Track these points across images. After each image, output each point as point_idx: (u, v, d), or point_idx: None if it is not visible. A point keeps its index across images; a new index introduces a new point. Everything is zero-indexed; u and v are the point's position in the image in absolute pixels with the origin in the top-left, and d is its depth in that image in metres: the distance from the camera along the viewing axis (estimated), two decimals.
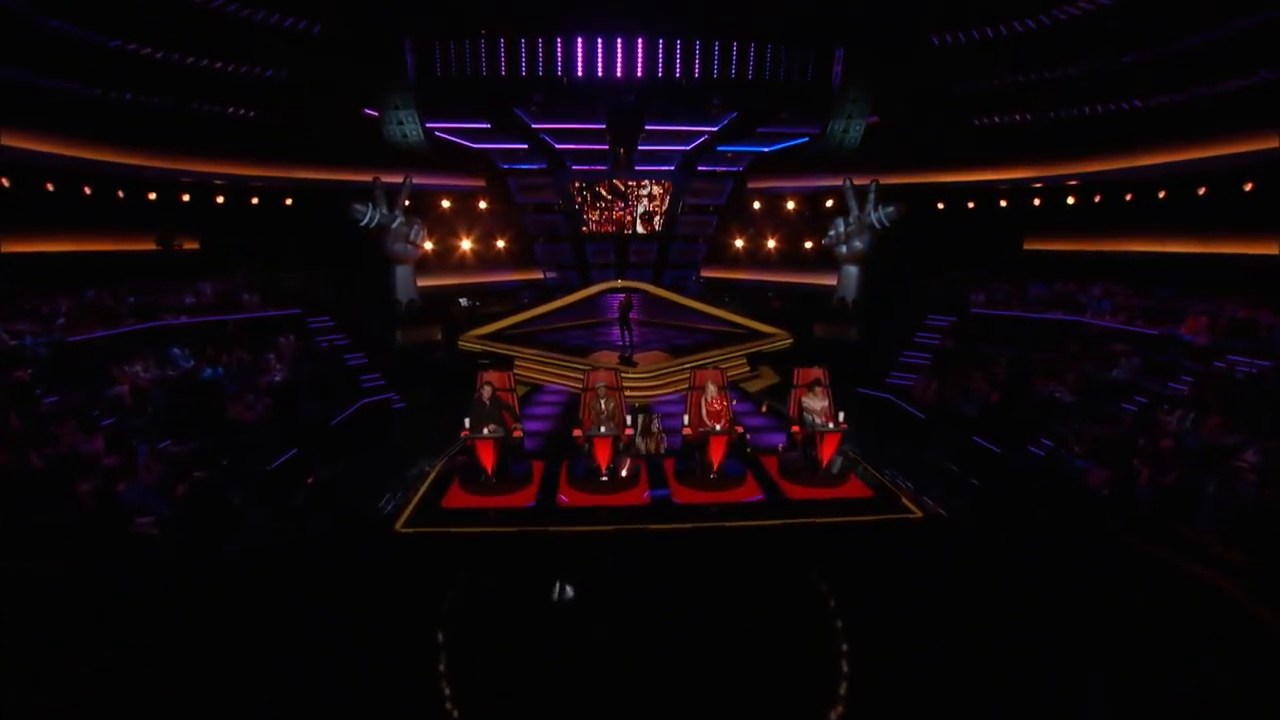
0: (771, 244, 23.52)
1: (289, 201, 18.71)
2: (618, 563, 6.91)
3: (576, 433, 8.14)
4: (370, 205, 16.47)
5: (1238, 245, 13.33)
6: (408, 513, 7.55)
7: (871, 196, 18.14)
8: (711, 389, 8.37)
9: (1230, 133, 12.97)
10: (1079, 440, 9.77)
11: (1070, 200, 17.49)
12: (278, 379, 12.46)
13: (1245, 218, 13.06)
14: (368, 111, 17.97)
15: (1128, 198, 15.91)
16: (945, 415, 12.08)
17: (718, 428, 7.99)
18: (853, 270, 19.05)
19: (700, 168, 23.15)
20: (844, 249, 18.82)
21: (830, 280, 21.63)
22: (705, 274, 24.67)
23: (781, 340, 17.75)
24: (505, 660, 5.29)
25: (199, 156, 16.44)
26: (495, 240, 23.38)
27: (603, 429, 7.84)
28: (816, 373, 8.94)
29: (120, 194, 15.55)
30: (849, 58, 15.88)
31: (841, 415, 8.57)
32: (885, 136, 18.28)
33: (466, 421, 8.00)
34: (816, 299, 21.29)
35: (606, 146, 21.49)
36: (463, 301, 20.99)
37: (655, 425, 11.29)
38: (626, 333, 16.61)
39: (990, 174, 18.35)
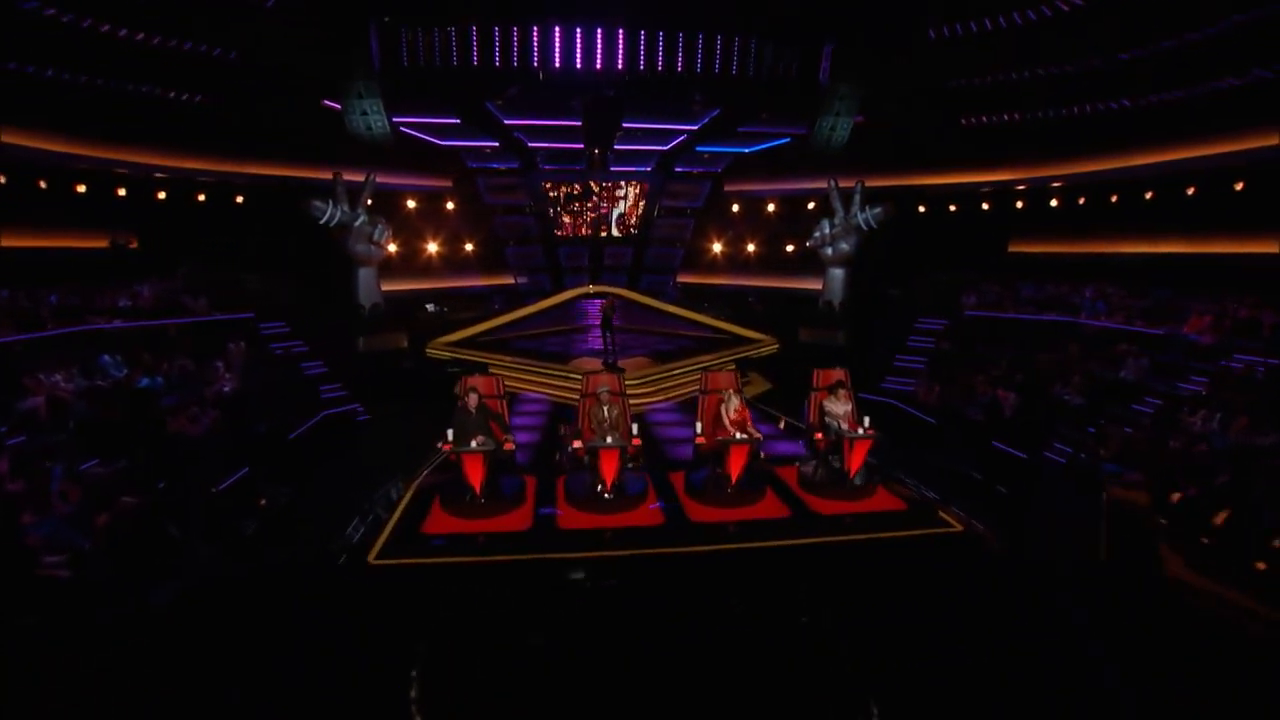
0: (751, 248, 22.96)
1: (240, 199, 17.23)
2: (630, 593, 5.97)
3: (576, 444, 7.20)
4: (330, 202, 15.20)
5: (1230, 245, 13.26)
6: (382, 540, 6.48)
7: (858, 198, 17.69)
8: (734, 400, 7.53)
9: (1221, 132, 12.92)
10: (1103, 444, 9.29)
11: (1054, 202, 17.40)
12: (227, 389, 11.12)
13: (1238, 217, 12.99)
14: (327, 103, 16.70)
15: (1114, 199, 15.83)
16: (952, 420, 11.52)
17: (739, 436, 7.14)
18: (838, 273, 18.56)
19: (678, 169, 22.48)
20: (830, 251, 18.31)
21: (812, 284, 21.17)
22: (682, 279, 23.96)
23: (768, 346, 17.11)
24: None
25: (137, 145, 14.91)
26: (463, 243, 22.20)
27: (609, 439, 6.91)
28: (839, 374, 8.24)
29: (42, 184, 13.93)
30: (839, 53, 15.42)
31: (867, 420, 7.87)
32: (869, 137, 17.92)
33: (449, 433, 6.98)
34: (799, 303, 20.78)
35: (581, 146, 20.64)
36: (429, 307, 19.76)
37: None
38: (609, 338, 15.68)
39: (975, 176, 18.18)
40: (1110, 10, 11.49)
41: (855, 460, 7.46)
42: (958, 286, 17.10)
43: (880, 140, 17.89)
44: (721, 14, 15.36)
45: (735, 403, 7.52)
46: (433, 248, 21.31)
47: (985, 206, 18.65)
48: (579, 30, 15.43)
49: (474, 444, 6.64)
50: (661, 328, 19.18)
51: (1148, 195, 14.93)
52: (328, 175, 16.28)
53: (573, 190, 22.64)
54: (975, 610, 5.80)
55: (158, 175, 15.36)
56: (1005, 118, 16.04)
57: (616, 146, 20.57)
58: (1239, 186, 13.07)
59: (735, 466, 7.16)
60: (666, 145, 20.81)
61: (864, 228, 17.67)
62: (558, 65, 15.75)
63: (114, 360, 10.40)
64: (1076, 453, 9.99)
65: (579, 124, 18.73)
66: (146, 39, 12.91)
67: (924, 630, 5.40)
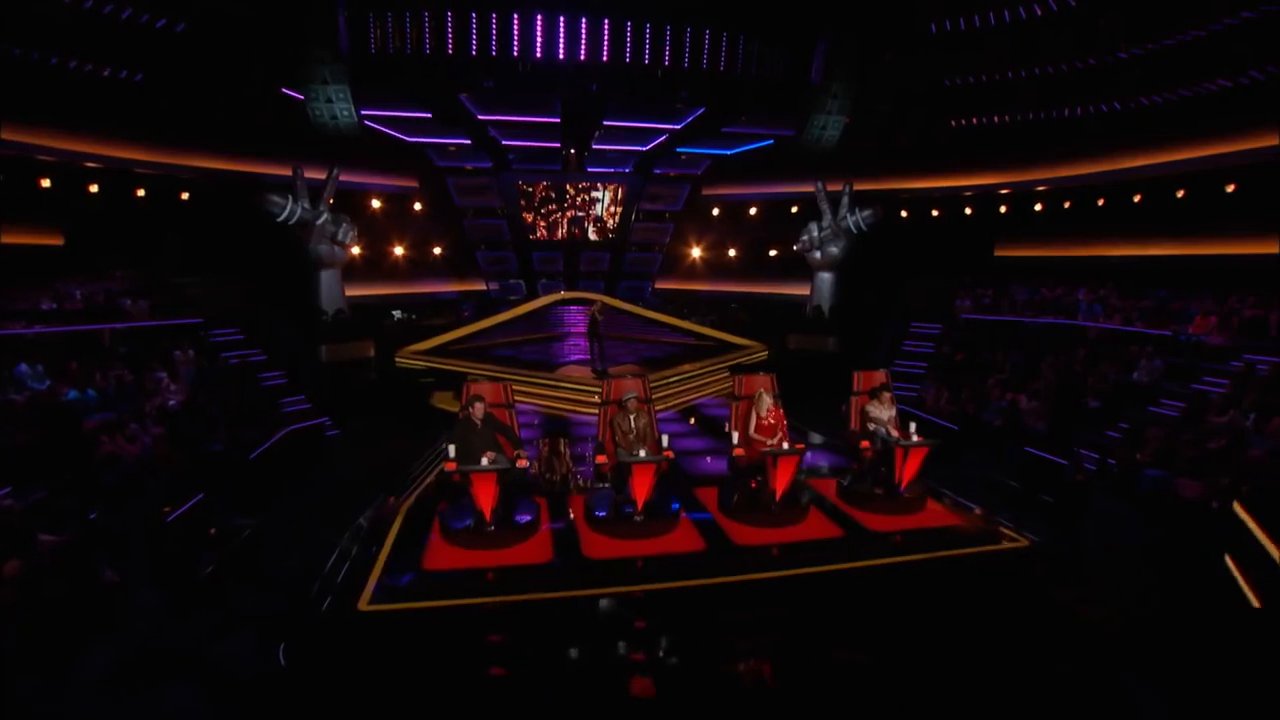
0: (732, 253, 22.40)
1: (185, 196, 15.61)
2: (676, 633, 5.04)
3: (601, 459, 6.22)
4: (290, 198, 13.85)
5: (1224, 246, 13.26)
6: (373, 580, 5.36)
7: (846, 200, 17.31)
8: (766, 399, 6.70)
9: (1212, 134, 12.95)
10: (1140, 447, 8.86)
11: (1038, 207, 17.38)
12: (173, 402, 9.72)
13: (1230, 219, 13.00)
14: (286, 91, 15.32)
15: (1100, 202, 15.84)
16: (970, 426, 11.01)
17: (786, 446, 6.31)
18: (827, 277, 18.09)
19: (656, 170, 21.80)
20: (818, 255, 17.84)
21: (795, 289, 20.73)
22: (661, 285, 23.22)
23: (757, 353, 16.44)
24: None
25: (65, 130, 13.23)
26: (431, 246, 20.94)
27: (642, 452, 5.97)
28: (881, 376, 7.50)
29: None
30: (832, 51, 14.98)
31: (914, 426, 7.15)
32: (855, 140, 17.58)
33: (450, 449, 5.93)
34: (784, 309, 20.30)
35: (558, 145, 19.73)
36: (396, 314, 18.41)
37: (563, 446, 9.59)
38: (597, 345, 14.74)
39: (960, 180, 18.05)
40: (1110, 6, 11.33)
41: (909, 471, 6.72)
42: (950, 290, 16.86)
43: (864, 143, 17.56)
44: (712, 7, 14.77)
45: (768, 401, 6.70)
46: (398, 251, 19.99)
47: (968, 211, 18.54)
48: (562, 18, 14.57)
49: (484, 461, 5.60)
50: (646, 335, 18.37)
51: (1136, 198, 14.93)
52: (283, 171, 14.95)
53: (548, 192, 21.68)
54: (1066, 642, 5.10)
55: (89, 165, 13.70)
56: (995, 119, 15.90)
57: (595, 146, 19.72)
58: (1230, 188, 13.09)
59: (781, 480, 6.31)
60: (646, 146, 20.09)
61: (854, 231, 17.28)
62: (539, 55, 14.82)
63: (33, 370, 8.90)
64: (1104, 457, 9.57)
65: (557, 121, 17.81)
66: (76, 1, 11.35)
67: (1013, 670, 4.67)
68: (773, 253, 21.55)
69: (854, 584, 5.74)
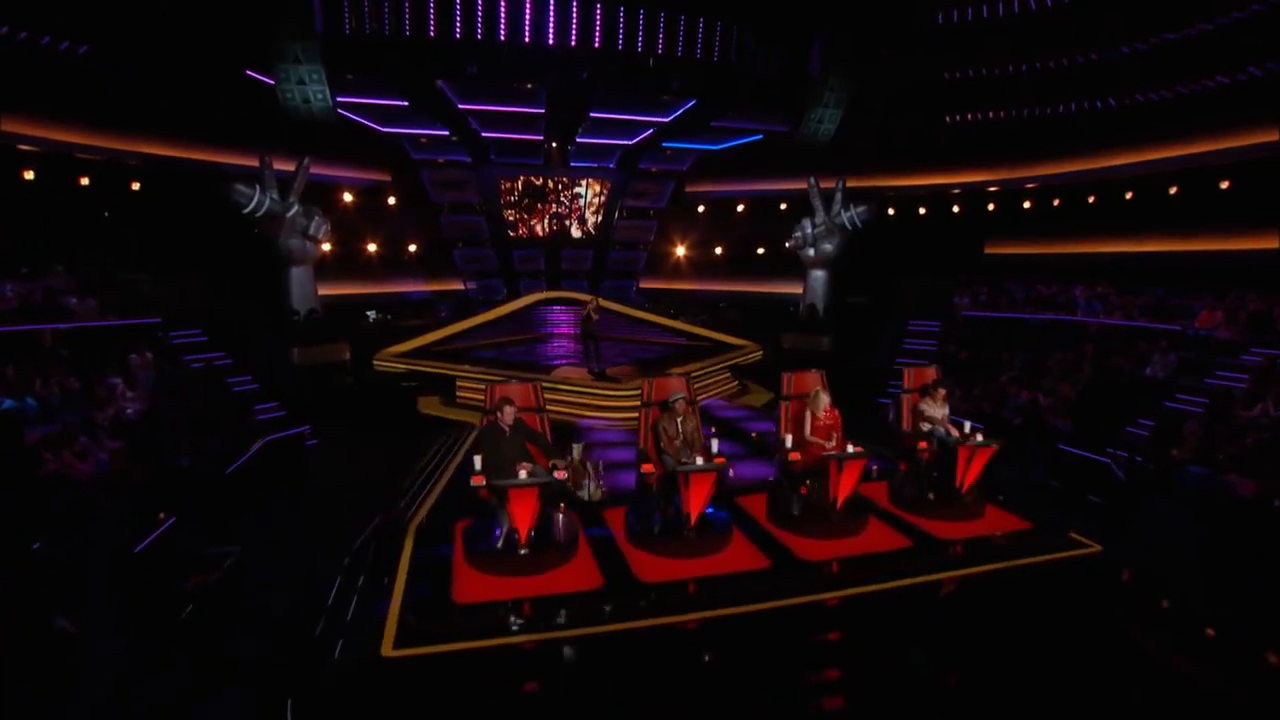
0: (719, 250, 21.92)
1: (136, 185, 14.22)
2: (750, 667, 4.37)
3: (648, 468, 5.51)
4: (258, 188, 12.70)
5: (1220, 242, 13.31)
6: (394, 617, 4.53)
7: (839, 196, 16.98)
8: (824, 398, 6.10)
9: (1207, 130, 13.01)
10: (1178, 443, 8.60)
11: (1026, 204, 17.38)
12: (130, 411, 8.59)
13: (1226, 214, 13.05)
14: (251, 74, 14.09)
15: (1091, 199, 15.88)
16: (990, 424, 10.64)
17: (851, 449, 5.71)
18: (820, 275, 17.73)
19: (641, 165, 21.15)
20: (811, 252, 17.46)
21: (784, 288, 20.37)
22: (646, 285, 22.57)
23: (752, 353, 15.95)
24: None
25: None
26: (405, 244, 19.84)
27: (699, 459, 5.28)
28: (932, 373, 7.00)
29: None
30: (830, 42, 14.59)
31: (968, 426, 6.67)
32: (847, 136, 17.28)
33: (477, 461, 5.14)
34: (773, 308, 19.90)
35: (540, 138, 18.90)
36: (370, 315, 17.27)
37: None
38: (592, 345, 14.02)
39: (953, 177, 17.95)
40: (1111, 5, 11.22)
41: (972, 474, 6.22)
42: (946, 288, 16.69)
43: (857, 140, 17.28)
44: None
45: (825, 400, 6.11)
46: (370, 248, 18.85)
47: (955, 210, 18.45)
48: (553, 0, 13.80)
49: (522, 475, 4.82)
50: (635, 335, 17.71)
51: (1128, 195, 14.97)
52: (244, 161, 13.80)
53: (529, 187, 20.80)
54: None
55: (23, 148, 12.27)
56: (991, 115, 15.79)
57: (579, 139, 18.97)
58: (1225, 185, 13.17)
59: (845, 487, 5.72)
60: (632, 140, 19.43)
61: (849, 227, 16.96)
62: (527, 39, 14.00)
63: None
64: (1131, 454, 9.30)
65: (541, 112, 16.99)
66: None
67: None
68: (760, 251, 21.14)
69: (932, 599, 5.20)
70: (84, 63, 12.09)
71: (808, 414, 6.16)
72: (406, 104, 15.97)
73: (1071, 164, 15.89)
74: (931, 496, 6.43)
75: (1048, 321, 14.36)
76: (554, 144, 19.56)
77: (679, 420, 5.72)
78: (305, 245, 13.82)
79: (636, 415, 11.03)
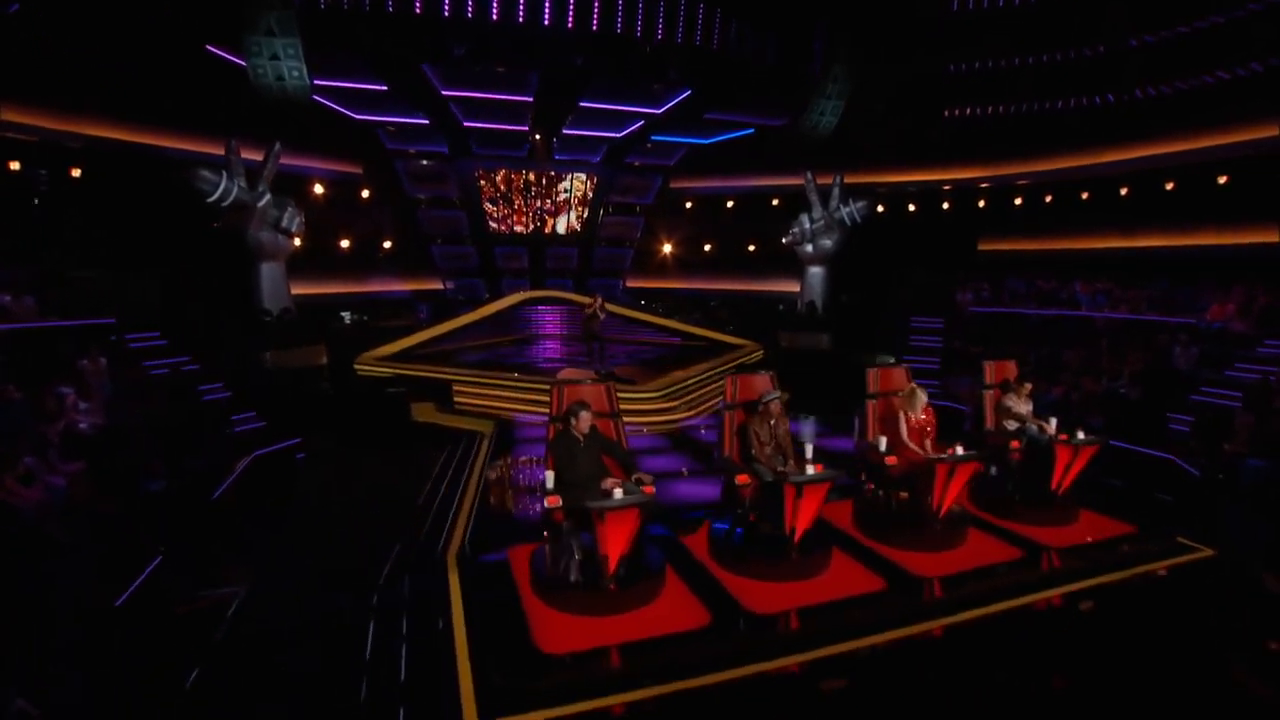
0: (707, 248, 21.34)
1: (76, 172, 12.66)
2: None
3: (742, 479, 4.76)
4: (224, 175, 11.42)
5: (1220, 237, 13.37)
6: (466, 677, 3.65)
7: (837, 191, 16.62)
8: (921, 396, 5.48)
9: (1204, 126, 13.06)
10: (1230, 436, 8.36)
11: (1018, 201, 17.35)
12: (84, 425, 7.35)
13: (1227, 209, 13.10)
14: (212, 50, 12.71)
15: (1084, 195, 15.89)
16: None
17: (960, 452, 5.09)
18: (818, 272, 17.33)
19: (628, 160, 20.39)
20: (810, 249, 17.04)
21: (776, 286, 19.96)
22: (632, 284, 21.81)
23: (753, 352, 15.42)
24: None
25: None
26: (379, 240, 18.56)
27: (809, 469, 4.56)
28: (1013, 367, 6.49)
29: None
30: (833, 33, 14.15)
31: (1054, 421, 6.17)
32: (842, 131, 16.90)
33: (547, 477, 4.31)
34: (766, 306, 19.44)
35: (526, 129, 17.93)
36: (345, 316, 15.99)
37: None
38: (596, 346, 13.21)
39: (948, 174, 17.80)
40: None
41: (1072, 474, 5.70)
42: (947, 284, 16.51)
43: (853, 135, 16.95)
44: None
45: (923, 399, 5.49)
46: (341, 245, 17.52)
47: (946, 206, 18.34)
48: None
49: (617, 494, 3.99)
50: (627, 336, 16.96)
51: (1123, 191, 15.01)
52: (204, 148, 12.47)
53: (512, 181, 19.80)
54: None
55: None
56: (988, 110, 15.65)
57: (566, 131, 18.09)
58: (1222, 180, 13.26)
59: (951, 494, 5.11)
60: (621, 132, 18.65)
61: (848, 223, 16.61)
62: (521, 19, 13.09)
63: None
64: (1200, 449, 9.00)
65: (529, 100, 16.06)
66: None
67: None
68: (751, 248, 20.65)
69: (1061, 616, 4.63)
70: (12, 24, 10.57)
71: (901, 414, 5.53)
72: (385, 88, 14.80)
73: (1064, 160, 15.88)
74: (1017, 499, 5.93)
75: (1051, 317, 14.29)
76: (538, 136, 18.62)
77: (771, 423, 4.99)
78: (277, 238, 12.56)
79: (664, 419, 10.46)
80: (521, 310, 18.86)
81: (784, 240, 17.40)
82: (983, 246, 18.12)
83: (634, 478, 4.44)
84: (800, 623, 4.17)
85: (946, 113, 16.08)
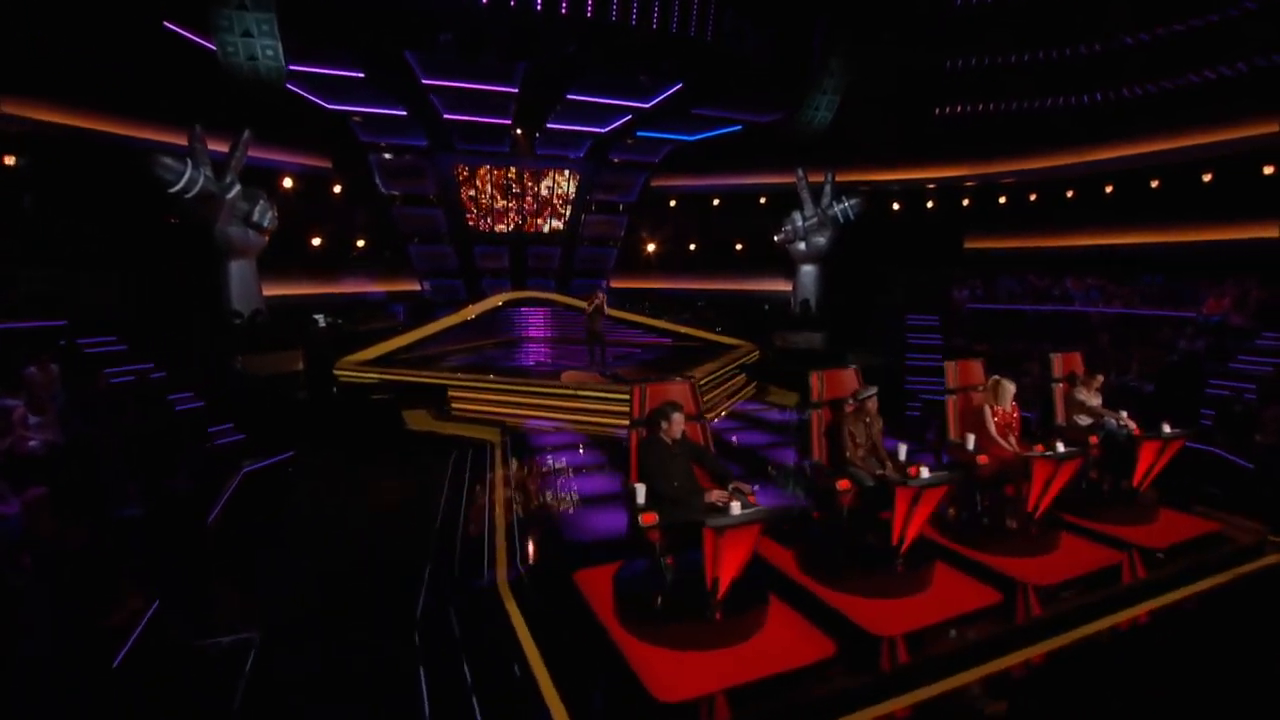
0: (693, 247, 20.93)
1: (10, 160, 11.33)
2: None
3: (844, 484, 4.25)
4: (189, 163, 10.39)
5: (1207, 233, 13.61)
6: None
7: (828, 189, 16.47)
8: (1009, 388, 5.08)
9: (1191, 125, 13.31)
10: (1260, 428, 8.32)
11: (1002, 200, 17.52)
12: (35, 443, 6.33)
13: (1208, 206, 13.34)
14: (173, 28, 11.55)
15: (1070, 194, 16.11)
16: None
17: (1059, 449, 4.70)
18: (811, 270, 17.17)
19: (612, 156, 19.83)
20: (802, 246, 16.85)
21: (764, 285, 19.68)
22: (616, 284, 21.20)
23: (749, 353, 15.06)
24: None
25: None
26: (353, 240, 17.50)
27: (925, 472, 4.08)
28: (1079, 358, 6.17)
29: None
30: (831, 28, 13.90)
31: (1124, 414, 5.88)
32: (835, 128, 16.74)
33: (637, 491, 3.72)
34: (755, 306, 19.12)
35: (509, 122, 17.17)
36: (319, 318, 14.91)
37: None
38: (597, 347, 12.60)
39: (937, 172, 17.85)
40: None
41: (1157, 469, 5.40)
42: (941, 282, 16.49)
43: (843, 131, 16.81)
44: None
45: (1011, 390, 5.10)
46: (313, 244, 16.39)
47: (930, 205, 18.40)
48: None
49: (734, 508, 3.41)
50: (618, 336, 16.36)
51: (1108, 189, 15.24)
52: (163, 137, 11.37)
53: (493, 178, 18.98)
54: None
55: None
56: (981, 108, 15.71)
57: (550, 125, 17.41)
58: (1207, 178, 13.53)
59: (1050, 494, 4.71)
60: (606, 127, 18.08)
61: (840, 220, 16.47)
62: (513, 4, 12.38)
63: None
64: (1251, 442, 8.91)
65: (514, 92, 15.34)
66: None
67: None
68: (739, 247, 20.34)
69: (1176, 625, 4.29)
70: None
71: (987, 409, 5.13)
72: (362, 76, 13.86)
73: (1051, 159, 16.07)
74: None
75: (1048, 313, 14.36)
76: (520, 130, 17.88)
77: (866, 421, 4.50)
78: (247, 234, 11.56)
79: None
80: (506, 312, 18.07)
81: (776, 238, 17.13)
82: (969, 244, 18.22)
83: (731, 487, 3.86)
84: (933, 644, 3.68)
85: (937, 110, 16.09)
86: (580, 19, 13.07)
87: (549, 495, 6.58)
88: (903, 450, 4.56)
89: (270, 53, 10.63)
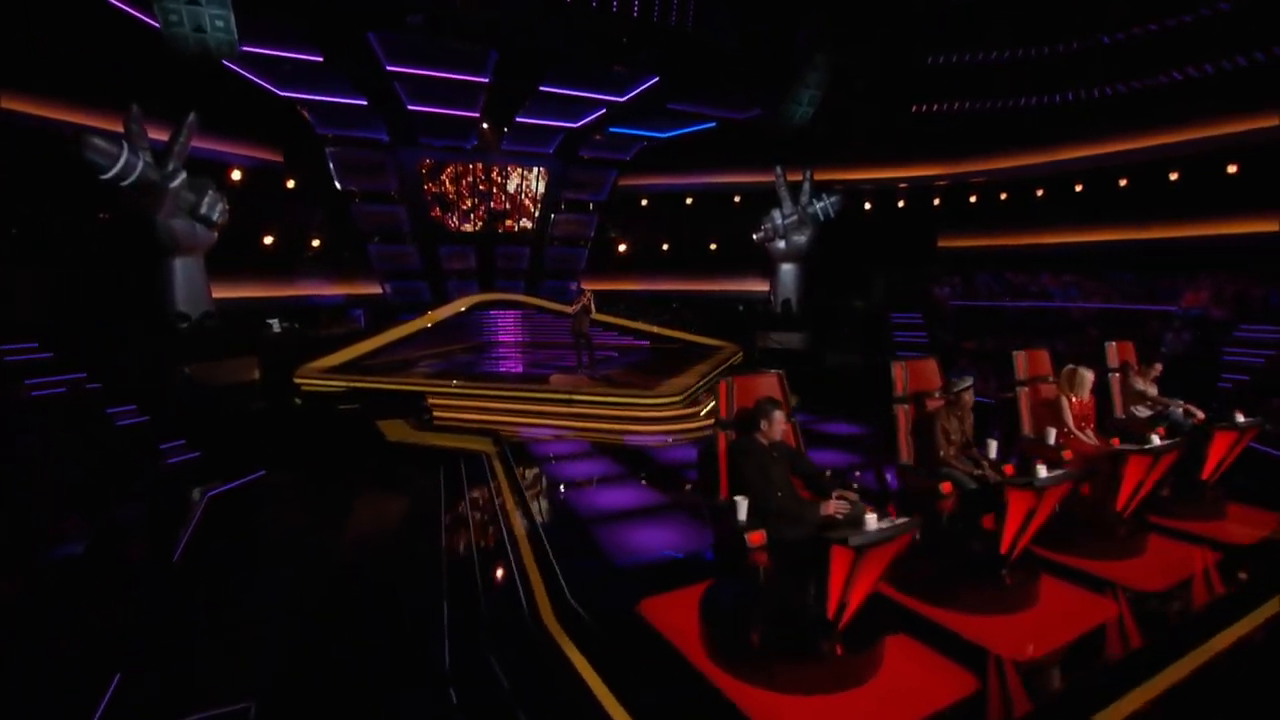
0: (665, 247, 20.44)
1: None
2: None
3: (946, 487, 3.74)
4: (124, 146, 9.18)
5: (1174, 230, 13.95)
6: None
7: (807, 187, 16.28)
8: (1088, 377, 4.70)
9: (1159, 123, 13.65)
10: (1272, 420, 8.33)
11: (973, 199, 17.70)
12: None
13: (1175, 204, 13.67)
14: None
15: (1039, 192, 16.35)
16: None
17: (1158, 441, 4.33)
18: (791, 269, 16.91)
19: (582, 153, 19.14)
20: (782, 245, 16.59)
21: (739, 286, 19.36)
22: (588, 285, 20.47)
23: (734, 354, 14.69)
24: None
25: None
26: (308, 239, 16.23)
27: (1040, 470, 3.59)
28: (1131, 347, 5.89)
29: None
30: (817, 24, 13.64)
31: (1182, 404, 5.63)
32: (813, 124, 16.54)
33: (740, 505, 3.10)
34: (730, 306, 18.75)
35: (477, 114, 16.27)
36: (273, 323, 13.66)
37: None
38: (586, 351, 11.90)
39: (911, 170, 17.91)
40: None
41: (1228, 462, 5.13)
42: (920, 279, 16.49)
43: (823, 127, 16.64)
44: None
45: (1090, 380, 4.72)
46: (264, 242, 15.07)
47: (900, 204, 18.48)
48: None
49: (870, 521, 2.82)
50: (596, 340, 15.66)
51: (1078, 187, 15.52)
52: (91, 121, 10.10)
53: (458, 174, 18.02)
54: None
55: None
56: (953, 106, 15.79)
57: (519, 119, 16.62)
58: (1174, 176, 13.88)
59: (1144, 492, 4.34)
60: (578, 122, 17.42)
61: (820, 218, 16.27)
62: None
63: None
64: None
65: (486, 81, 14.52)
66: None
67: None
68: (713, 247, 19.96)
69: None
70: None
71: (1063, 399, 4.73)
72: (320, 59, 12.77)
73: (1022, 157, 16.29)
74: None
75: (1029, 309, 14.49)
76: (487, 124, 17.00)
77: (959, 415, 4.01)
78: (194, 228, 10.35)
79: (694, 425, 9.28)
80: (475, 315, 17.15)
81: (755, 236, 16.79)
82: (942, 243, 18.35)
83: (836, 495, 3.28)
84: (1082, 667, 3.19)
85: (914, 108, 16.11)
86: (559, 4, 12.40)
87: (573, 513, 5.86)
88: (992, 447, 4.09)
89: (220, 23, 9.51)
